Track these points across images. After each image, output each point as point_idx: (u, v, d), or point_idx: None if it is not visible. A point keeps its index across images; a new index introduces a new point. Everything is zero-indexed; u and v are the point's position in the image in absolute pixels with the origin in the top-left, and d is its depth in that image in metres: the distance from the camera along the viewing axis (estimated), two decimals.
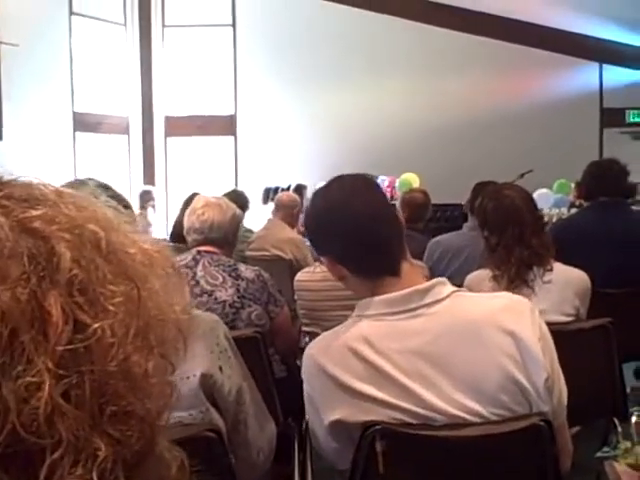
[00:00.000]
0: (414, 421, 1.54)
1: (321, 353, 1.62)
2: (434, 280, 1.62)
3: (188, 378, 1.68)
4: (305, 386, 1.66)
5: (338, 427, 1.59)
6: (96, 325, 0.58)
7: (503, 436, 1.55)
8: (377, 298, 1.60)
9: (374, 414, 1.55)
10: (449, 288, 1.61)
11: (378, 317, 1.58)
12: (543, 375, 1.54)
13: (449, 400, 1.54)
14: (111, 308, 0.60)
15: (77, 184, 1.58)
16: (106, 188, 1.63)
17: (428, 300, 1.57)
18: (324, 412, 1.60)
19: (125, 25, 12.18)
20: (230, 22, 12.28)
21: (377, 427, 1.57)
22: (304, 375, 1.66)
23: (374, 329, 1.58)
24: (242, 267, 2.84)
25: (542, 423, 1.55)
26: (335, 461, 1.70)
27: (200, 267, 2.76)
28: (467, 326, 1.56)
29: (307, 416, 1.74)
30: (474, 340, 1.54)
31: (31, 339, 0.56)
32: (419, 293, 1.58)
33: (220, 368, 1.75)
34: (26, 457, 0.55)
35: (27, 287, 0.57)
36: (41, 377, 0.55)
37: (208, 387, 1.72)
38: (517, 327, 1.55)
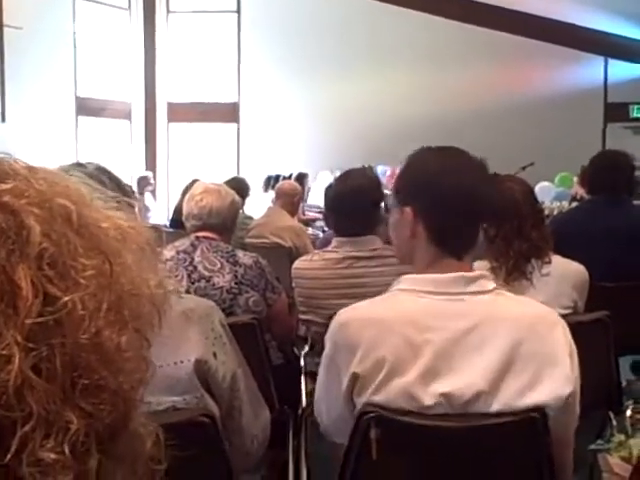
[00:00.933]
0: (431, 402, 1.54)
1: (354, 321, 1.63)
2: (480, 272, 1.67)
3: (182, 362, 1.68)
4: (328, 350, 1.66)
5: (355, 383, 1.59)
6: (67, 298, 0.59)
7: (497, 427, 1.55)
8: (424, 276, 1.63)
9: (386, 392, 1.56)
10: (493, 284, 1.64)
11: (419, 294, 1.61)
12: (567, 389, 1.56)
13: (469, 387, 1.54)
14: (82, 281, 0.60)
15: (75, 166, 1.58)
16: (105, 172, 1.62)
17: (473, 289, 1.60)
18: (347, 366, 1.59)
19: (129, 10, 12.15)
20: (235, 9, 12.25)
21: (372, 414, 1.57)
22: (331, 338, 1.66)
23: (413, 304, 1.60)
24: (240, 253, 2.84)
25: (537, 415, 1.55)
26: (337, 432, 1.70)
27: (198, 253, 2.76)
28: (504, 324, 1.57)
29: (318, 391, 1.73)
30: (507, 339, 1.56)
31: (0, 312, 0.56)
32: (465, 280, 1.61)
33: (214, 354, 1.74)
34: None
35: None
36: (10, 350, 0.55)
37: (202, 373, 1.71)
38: (550, 339, 1.58)
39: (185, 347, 1.69)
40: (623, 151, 3.77)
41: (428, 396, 1.55)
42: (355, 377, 1.59)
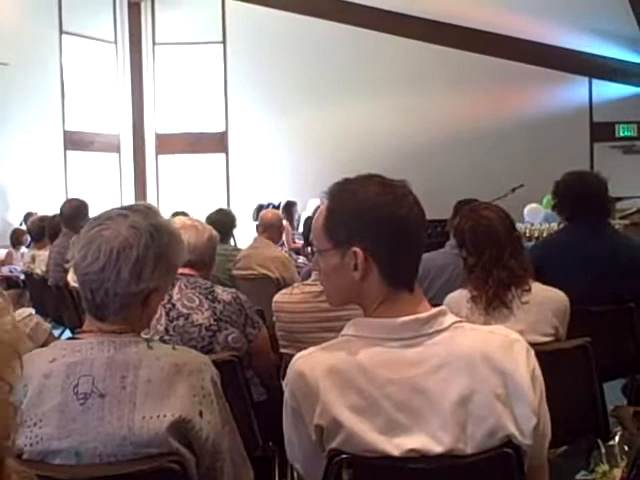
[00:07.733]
0: (399, 454, 1.49)
1: (309, 371, 1.54)
2: (435, 310, 1.58)
3: (165, 417, 1.63)
4: (288, 400, 1.58)
5: (321, 433, 1.54)
6: None
7: (472, 466, 1.52)
8: (375, 320, 1.56)
9: (352, 446, 1.51)
10: (450, 318, 1.57)
11: (374, 341, 1.53)
12: (532, 420, 1.52)
13: (437, 439, 1.49)
14: None
15: None
16: None
17: (428, 330, 1.53)
18: (310, 417, 1.53)
19: (116, 43, 12.21)
20: (220, 39, 12.32)
21: (344, 456, 1.54)
22: (288, 388, 1.58)
23: (368, 354, 1.52)
24: (219, 289, 2.80)
25: (510, 450, 1.52)
26: (311, 474, 1.64)
27: (176, 290, 2.72)
28: (463, 362, 1.52)
29: (287, 435, 1.68)
30: (468, 379, 1.51)
31: None
32: (419, 322, 1.54)
33: (200, 413, 1.68)
34: None
35: None
36: None
37: (184, 431, 1.66)
38: (511, 367, 1.53)
39: (169, 401, 1.64)
40: (590, 172, 3.75)
41: (395, 449, 1.50)
42: (320, 428, 1.54)
